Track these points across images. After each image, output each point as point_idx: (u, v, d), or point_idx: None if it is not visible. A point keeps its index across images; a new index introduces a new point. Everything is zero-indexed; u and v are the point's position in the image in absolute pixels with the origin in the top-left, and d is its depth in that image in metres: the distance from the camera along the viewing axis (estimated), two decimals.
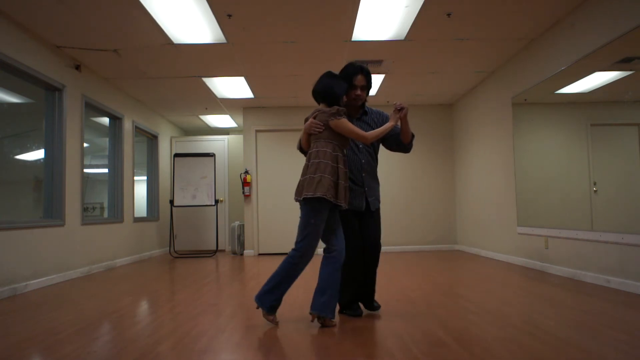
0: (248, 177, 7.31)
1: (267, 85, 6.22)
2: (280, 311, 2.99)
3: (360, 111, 2.92)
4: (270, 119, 7.48)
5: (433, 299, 3.29)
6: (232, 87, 6.23)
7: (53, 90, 4.69)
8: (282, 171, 7.45)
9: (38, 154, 4.61)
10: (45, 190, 4.62)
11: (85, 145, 5.29)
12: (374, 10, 4.02)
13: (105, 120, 6.16)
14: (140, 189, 7.31)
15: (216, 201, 7.48)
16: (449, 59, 5.30)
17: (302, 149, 2.81)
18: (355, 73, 2.74)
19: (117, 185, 6.09)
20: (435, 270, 4.88)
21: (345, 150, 2.68)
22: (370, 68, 5.54)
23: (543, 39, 4.57)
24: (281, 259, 6.57)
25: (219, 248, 8.51)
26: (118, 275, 5.02)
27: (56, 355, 2.15)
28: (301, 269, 2.62)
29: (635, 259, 3.39)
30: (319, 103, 2.72)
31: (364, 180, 2.87)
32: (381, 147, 3.04)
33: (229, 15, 4.03)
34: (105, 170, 6.12)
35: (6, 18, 3.93)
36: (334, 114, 2.58)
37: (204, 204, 7.37)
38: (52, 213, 4.62)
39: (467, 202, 6.85)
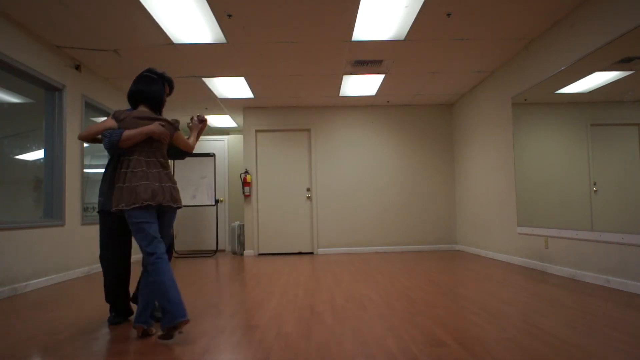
0: (248, 177, 7.31)
1: (267, 85, 6.22)
2: (280, 311, 3.00)
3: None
4: (270, 119, 7.48)
5: (433, 299, 3.29)
6: (232, 87, 6.23)
7: (53, 90, 4.69)
8: (282, 171, 7.45)
9: (38, 154, 4.61)
10: (45, 190, 4.62)
11: (85, 145, 5.29)
12: (374, 10, 4.02)
13: None
14: None
15: (216, 201, 7.48)
16: (449, 59, 5.30)
17: (116, 146, 2.44)
18: (164, 80, 2.82)
19: None
20: (435, 270, 4.88)
21: None
22: (370, 68, 5.59)
23: (543, 39, 4.57)
24: (281, 258, 6.57)
25: (219, 248, 8.52)
26: None
27: (56, 355, 2.15)
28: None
29: (635, 259, 3.39)
30: (138, 104, 2.62)
31: None
32: None
33: (229, 15, 4.03)
34: None
35: (6, 18, 3.93)
36: (177, 127, 2.70)
37: (204, 204, 7.37)
38: (52, 213, 4.62)
39: (467, 202, 6.85)
